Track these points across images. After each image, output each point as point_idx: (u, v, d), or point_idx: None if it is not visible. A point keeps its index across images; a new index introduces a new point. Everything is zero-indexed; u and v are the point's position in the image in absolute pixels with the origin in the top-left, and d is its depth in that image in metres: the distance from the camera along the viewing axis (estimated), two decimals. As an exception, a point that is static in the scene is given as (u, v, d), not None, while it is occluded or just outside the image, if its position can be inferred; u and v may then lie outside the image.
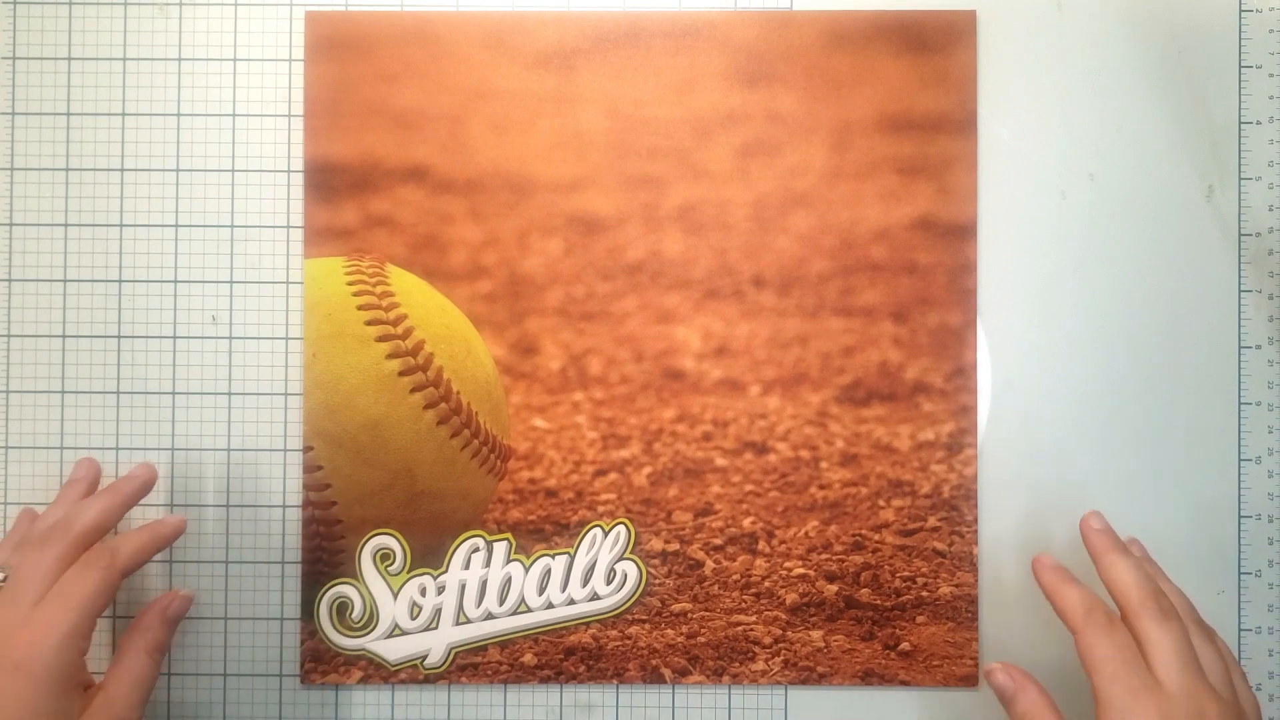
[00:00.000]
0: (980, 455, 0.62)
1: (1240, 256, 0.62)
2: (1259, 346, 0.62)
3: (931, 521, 0.61)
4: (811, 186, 0.62)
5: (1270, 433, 0.62)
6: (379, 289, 0.60)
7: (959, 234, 0.61)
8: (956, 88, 0.62)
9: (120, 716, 0.53)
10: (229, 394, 0.62)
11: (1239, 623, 0.62)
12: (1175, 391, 0.62)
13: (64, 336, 0.62)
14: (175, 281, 0.62)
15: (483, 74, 0.62)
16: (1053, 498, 0.62)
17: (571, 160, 0.62)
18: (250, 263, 0.62)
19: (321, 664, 0.61)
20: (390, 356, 0.59)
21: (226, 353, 0.62)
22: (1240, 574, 0.62)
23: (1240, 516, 0.62)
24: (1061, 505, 0.61)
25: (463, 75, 0.62)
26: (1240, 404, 0.62)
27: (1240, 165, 0.62)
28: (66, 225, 0.62)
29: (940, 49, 0.62)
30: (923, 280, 0.62)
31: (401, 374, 0.59)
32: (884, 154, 0.62)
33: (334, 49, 0.62)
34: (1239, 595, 0.62)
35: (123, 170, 0.62)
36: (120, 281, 0.62)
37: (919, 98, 0.62)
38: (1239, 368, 0.62)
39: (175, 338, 0.62)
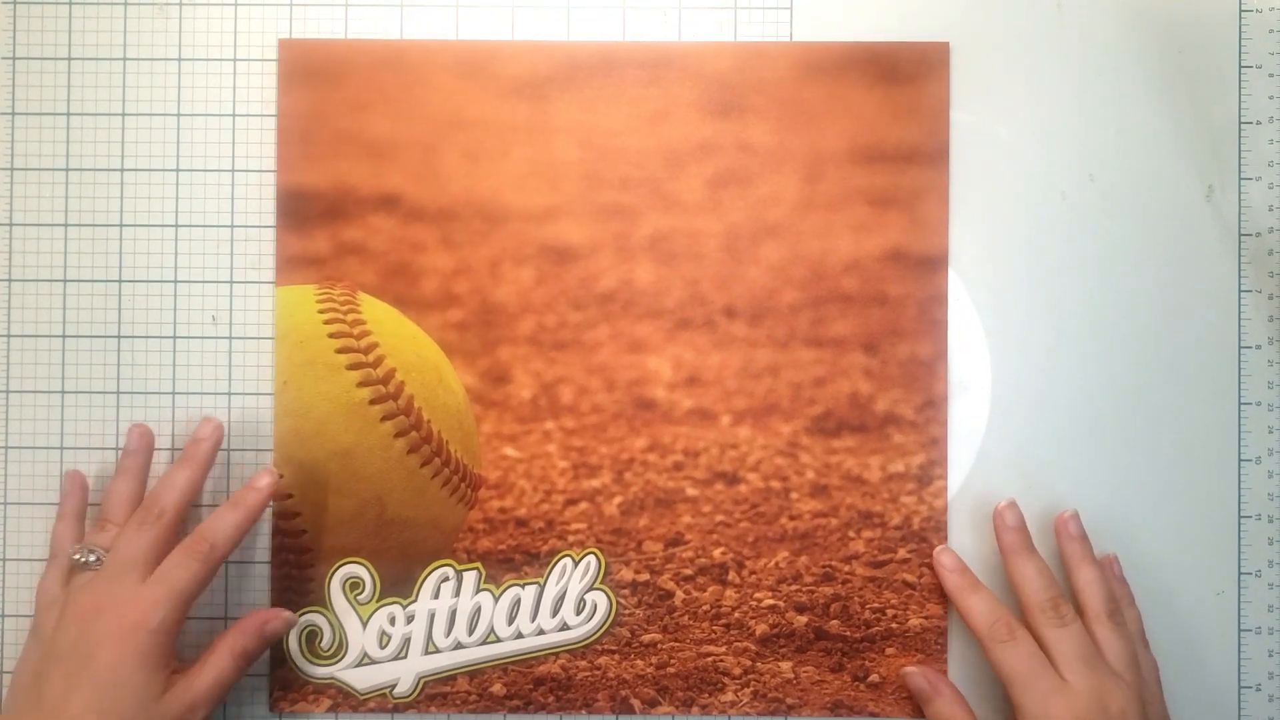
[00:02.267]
0: (980, 457, 0.62)
1: (1240, 256, 0.62)
2: (1259, 346, 0.62)
3: (901, 553, 0.61)
4: (783, 217, 0.62)
5: (1270, 433, 0.62)
6: (350, 317, 0.60)
7: (930, 265, 0.62)
8: (928, 119, 0.62)
9: (194, 704, 0.55)
10: (229, 394, 0.62)
11: (1239, 623, 0.62)
12: (1175, 391, 0.62)
13: (64, 336, 0.62)
14: (175, 281, 0.62)
15: (456, 103, 0.62)
16: (1050, 498, 0.62)
17: (544, 190, 0.62)
18: (250, 263, 0.62)
19: (290, 692, 0.61)
20: (361, 385, 0.59)
21: (226, 353, 0.62)
22: (1240, 574, 0.62)
23: (1240, 516, 0.62)
24: (1060, 505, 0.61)
25: (436, 104, 0.62)
26: (1240, 404, 0.62)
27: (1240, 165, 0.62)
28: (66, 225, 0.62)
29: (912, 80, 0.62)
30: (893, 312, 0.62)
31: (372, 402, 0.59)
32: (855, 185, 0.62)
33: (307, 77, 0.62)
34: (1239, 595, 0.62)
35: (123, 170, 0.62)
36: (120, 281, 0.62)
37: (891, 129, 0.62)
38: (1239, 368, 0.62)
39: (175, 338, 0.62)
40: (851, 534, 0.61)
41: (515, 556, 0.61)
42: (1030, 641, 0.57)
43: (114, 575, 0.56)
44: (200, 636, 0.61)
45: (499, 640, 0.61)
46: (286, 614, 0.59)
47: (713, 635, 0.61)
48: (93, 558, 0.57)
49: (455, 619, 0.61)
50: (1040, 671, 0.56)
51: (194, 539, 0.56)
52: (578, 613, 0.61)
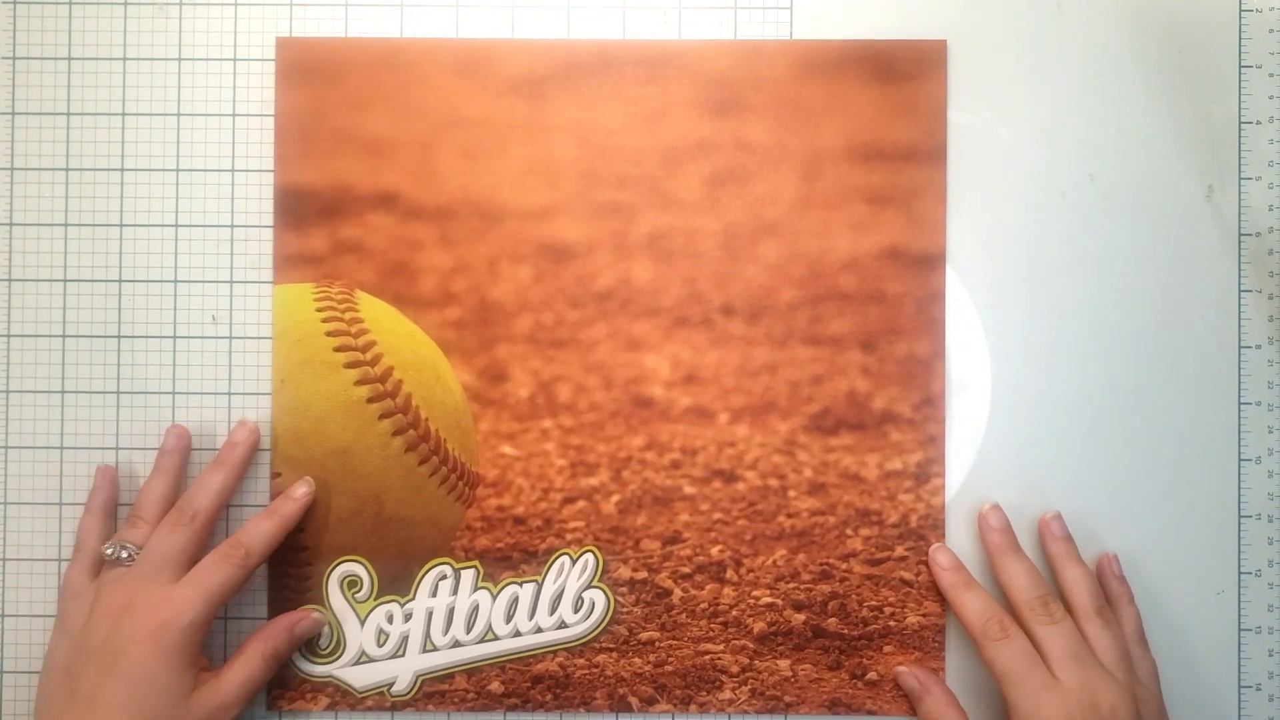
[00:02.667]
0: (979, 456, 0.62)
1: (1240, 256, 0.62)
2: (1259, 346, 0.62)
3: (899, 551, 0.61)
4: (781, 215, 0.62)
5: (1270, 433, 0.62)
6: (348, 315, 0.60)
7: (927, 264, 0.62)
8: (926, 118, 0.62)
9: (224, 704, 0.56)
10: (229, 394, 0.62)
11: (1239, 623, 0.62)
12: (1175, 391, 0.62)
13: (64, 336, 0.62)
14: (175, 281, 0.62)
15: (453, 101, 0.62)
16: (1051, 497, 0.62)
17: (542, 188, 0.62)
18: (250, 263, 0.62)
19: (288, 691, 0.61)
20: (359, 383, 0.59)
21: (226, 353, 0.62)
22: (1240, 574, 0.62)
23: (1240, 516, 0.62)
24: (1059, 505, 0.61)
25: (433, 102, 0.62)
26: (1240, 404, 0.62)
27: (1240, 165, 0.62)
28: (66, 225, 0.62)
29: (910, 79, 0.62)
30: (891, 310, 0.62)
31: (370, 401, 0.59)
32: (853, 183, 0.62)
33: (305, 75, 0.62)
34: (1239, 595, 0.62)
35: (123, 170, 0.62)
36: (120, 281, 0.62)
37: (888, 128, 0.62)
38: (1239, 368, 0.62)
39: (175, 338, 0.62)
40: (849, 532, 0.61)
41: (513, 554, 0.61)
42: (1023, 639, 0.57)
43: (146, 574, 0.56)
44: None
45: (497, 638, 0.61)
46: (315, 614, 0.60)
47: (710, 633, 0.61)
48: (125, 554, 0.57)
49: (453, 617, 0.61)
50: (1032, 669, 0.56)
51: (230, 544, 0.57)
52: (575, 611, 0.61)
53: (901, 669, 0.60)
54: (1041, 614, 0.57)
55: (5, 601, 0.62)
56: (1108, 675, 0.56)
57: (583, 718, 0.61)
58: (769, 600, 0.61)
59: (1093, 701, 0.55)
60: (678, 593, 0.61)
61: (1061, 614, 0.57)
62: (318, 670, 0.61)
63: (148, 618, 0.55)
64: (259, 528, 0.58)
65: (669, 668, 0.61)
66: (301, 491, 0.60)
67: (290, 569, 0.61)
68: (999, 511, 0.60)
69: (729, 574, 0.61)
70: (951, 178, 0.62)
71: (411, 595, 0.61)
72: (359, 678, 0.61)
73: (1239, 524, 0.62)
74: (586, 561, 0.61)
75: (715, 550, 0.61)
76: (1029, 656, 0.56)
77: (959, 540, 0.61)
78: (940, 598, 0.60)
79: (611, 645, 0.61)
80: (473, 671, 0.61)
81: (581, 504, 0.61)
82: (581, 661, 0.61)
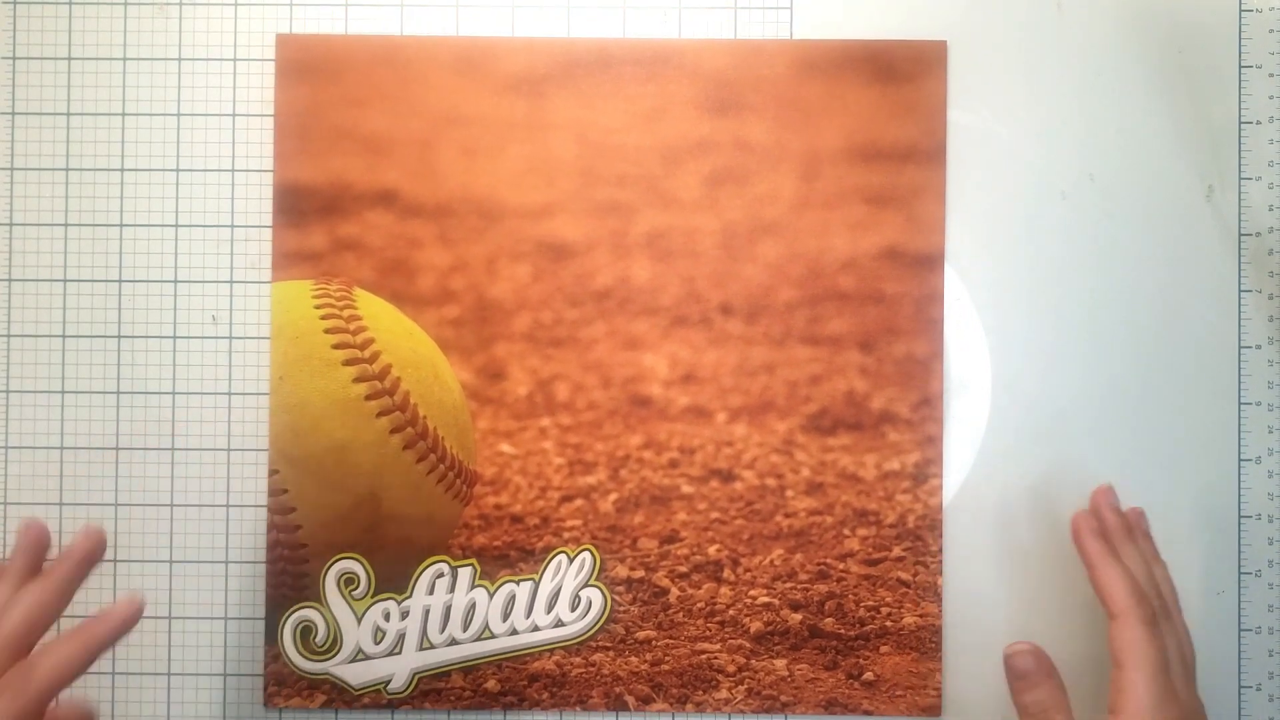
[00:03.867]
0: (980, 456, 0.62)
1: (1240, 256, 0.62)
2: (1259, 346, 0.62)
3: (896, 551, 0.61)
4: (780, 215, 0.62)
5: (1270, 433, 0.62)
6: (346, 313, 0.60)
7: (926, 264, 0.61)
8: (925, 118, 0.62)
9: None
10: (229, 394, 0.62)
11: (1239, 623, 0.61)
12: (1175, 391, 0.62)
13: (64, 336, 0.62)
14: (175, 281, 0.62)
15: (453, 99, 0.62)
16: (1051, 498, 0.62)
17: (541, 186, 0.62)
18: (250, 263, 0.62)
19: (285, 687, 0.61)
20: (357, 380, 0.59)
21: (226, 353, 0.62)
22: (1240, 574, 0.62)
23: (1240, 516, 0.62)
24: (1060, 506, 0.61)
25: (433, 100, 0.62)
26: (1240, 404, 0.62)
27: (1240, 165, 0.62)
28: (66, 225, 0.62)
29: (910, 79, 0.62)
30: (889, 310, 0.62)
31: (368, 398, 0.59)
32: (852, 183, 0.62)
33: (304, 72, 0.62)
34: (1239, 595, 0.62)
35: (123, 170, 0.63)
36: (120, 281, 0.62)
37: (888, 128, 0.62)
38: (1239, 368, 0.62)
39: (175, 338, 0.62)
40: (846, 532, 0.61)
41: (510, 553, 0.61)
42: (1164, 637, 0.53)
43: None
44: (200, 636, 0.62)
45: (493, 636, 0.61)
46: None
47: (707, 632, 0.61)
48: None
49: (450, 615, 0.61)
50: (1165, 668, 0.52)
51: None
52: (572, 609, 0.61)
53: (1022, 648, 0.54)
54: (1143, 617, 0.53)
55: (4, 600, 0.62)
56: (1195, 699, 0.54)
57: (579, 717, 0.61)
58: (766, 600, 0.61)
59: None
60: (675, 592, 0.61)
61: (1156, 621, 0.53)
62: (314, 668, 0.61)
63: None
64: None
65: (665, 667, 0.61)
66: (81, 547, 0.50)
67: (288, 566, 0.61)
68: (1092, 518, 0.56)
69: (726, 573, 0.61)
70: (951, 178, 0.62)
71: (408, 593, 0.61)
72: (355, 675, 0.61)
73: (1239, 524, 0.62)
74: (584, 560, 0.61)
75: (712, 549, 0.61)
76: (1166, 656, 0.52)
77: (958, 540, 0.61)
78: (938, 598, 0.60)
79: (608, 644, 0.61)
80: (469, 669, 0.61)
81: (579, 502, 0.61)
82: (578, 660, 0.61)
